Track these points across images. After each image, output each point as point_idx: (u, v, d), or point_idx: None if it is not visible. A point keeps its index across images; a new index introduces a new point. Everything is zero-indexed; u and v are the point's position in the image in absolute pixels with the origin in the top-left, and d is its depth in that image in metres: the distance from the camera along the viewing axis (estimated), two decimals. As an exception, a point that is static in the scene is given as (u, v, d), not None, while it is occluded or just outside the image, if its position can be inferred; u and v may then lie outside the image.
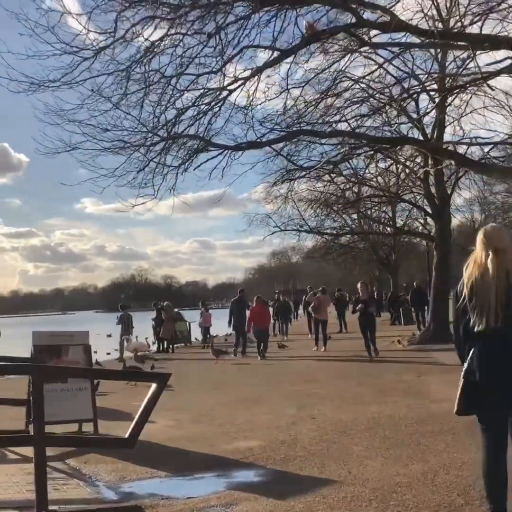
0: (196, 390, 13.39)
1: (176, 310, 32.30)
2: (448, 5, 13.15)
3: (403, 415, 9.21)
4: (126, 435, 6.00)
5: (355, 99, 15.88)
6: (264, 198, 25.62)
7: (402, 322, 32.28)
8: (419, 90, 15.44)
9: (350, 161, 21.52)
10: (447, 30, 11.14)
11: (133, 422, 6.07)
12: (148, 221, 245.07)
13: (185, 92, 11.92)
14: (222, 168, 13.48)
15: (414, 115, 17.34)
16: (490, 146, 16.92)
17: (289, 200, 23.97)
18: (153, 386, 6.15)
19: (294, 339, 27.03)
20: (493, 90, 13.34)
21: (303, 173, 18.26)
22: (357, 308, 17.55)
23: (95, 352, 24.00)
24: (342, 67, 14.66)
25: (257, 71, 11.41)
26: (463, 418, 8.97)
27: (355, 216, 37.49)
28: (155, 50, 11.09)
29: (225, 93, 11.92)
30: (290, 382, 13.79)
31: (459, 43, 9.97)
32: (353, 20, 10.54)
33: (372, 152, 14.95)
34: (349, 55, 14.28)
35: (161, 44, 11.03)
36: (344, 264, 53.31)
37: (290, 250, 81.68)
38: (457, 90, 13.65)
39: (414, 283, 31.67)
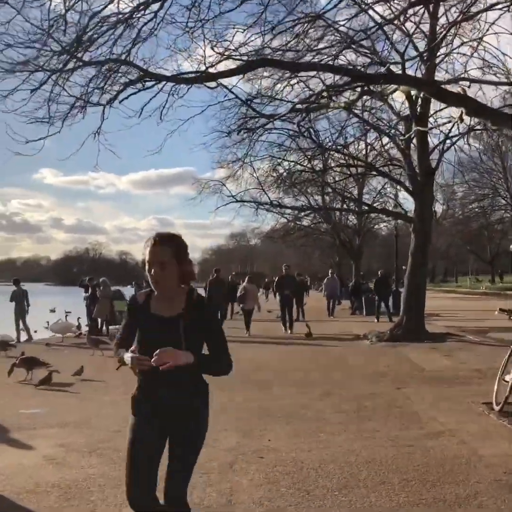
0: (109, 394, 10.26)
1: (116, 287, 29.16)
2: None
3: (391, 460, 6.27)
4: None
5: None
6: (217, 161, 22.02)
7: (364, 312, 29.77)
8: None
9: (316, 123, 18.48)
10: None
11: None
12: (108, 196, 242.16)
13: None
14: (161, 108, 10.34)
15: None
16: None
17: (247, 166, 20.61)
18: None
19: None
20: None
21: (265, 122, 14.99)
22: None
23: (35, 331, 21.20)
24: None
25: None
26: (485, 472, 6.25)
27: (318, 197, 34.77)
28: None
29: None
30: (235, 387, 10.76)
31: None
32: None
33: (353, 97, 11.91)
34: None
35: None
36: (303, 248, 50.95)
37: (249, 232, 79.58)
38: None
39: (379, 271, 29.39)
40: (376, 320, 25.56)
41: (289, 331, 20.58)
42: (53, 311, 34.01)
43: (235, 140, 18.22)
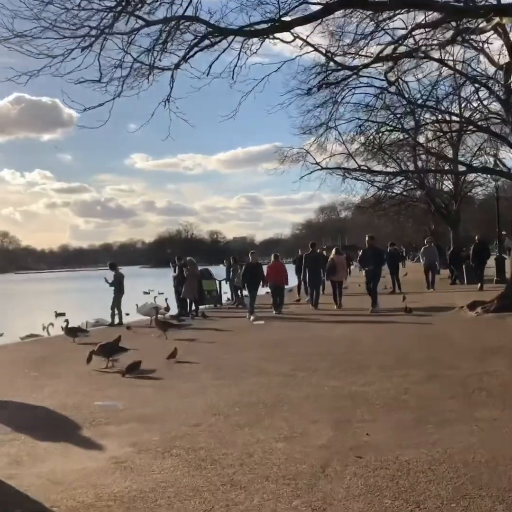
0: (194, 381, 9.52)
1: (205, 266, 28.68)
2: None
3: (520, 461, 5.18)
4: None
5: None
6: (299, 127, 20.46)
7: (465, 281, 28.06)
8: None
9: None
10: None
11: None
12: (197, 176, 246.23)
13: None
14: (232, 67, 9.39)
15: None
16: None
17: (332, 130, 19.21)
18: None
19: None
20: None
21: (348, 74, 13.61)
22: None
23: (127, 314, 21.17)
24: None
25: None
26: None
27: (409, 163, 33.06)
28: None
29: None
30: (325, 370, 9.81)
31: None
32: None
33: (448, 38, 10.53)
34: None
35: None
36: (396, 217, 49.07)
37: (339, 205, 78.27)
38: None
39: (476, 237, 27.68)
40: (479, 289, 24.34)
41: (370, 309, 18.63)
42: (147, 293, 34.09)
43: (317, 102, 16.94)
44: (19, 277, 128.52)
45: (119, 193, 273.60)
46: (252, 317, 18.64)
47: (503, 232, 33.63)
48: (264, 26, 8.86)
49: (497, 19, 10.63)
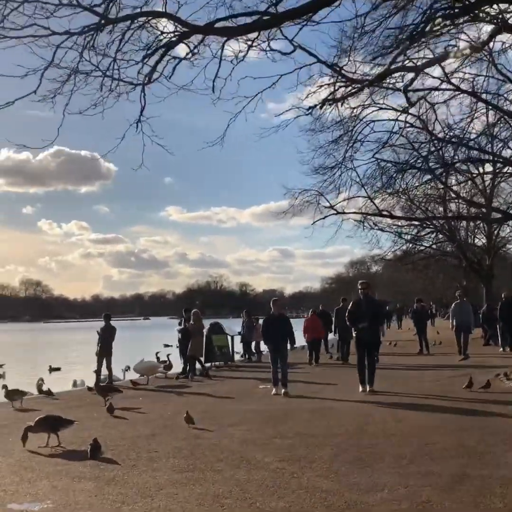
0: (148, 473, 7.32)
1: (215, 321, 26.55)
2: None
3: None
4: None
5: None
6: (309, 163, 17.93)
7: (500, 342, 25.55)
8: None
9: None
10: None
11: None
12: (230, 230, 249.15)
13: None
14: (212, 77, 7.53)
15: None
16: None
17: (346, 167, 16.97)
18: None
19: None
20: None
21: (357, 89, 11.49)
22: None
23: (127, 369, 19.05)
24: None
25: None
26: None
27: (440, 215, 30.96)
28: None
29: None
30: (323, 462, 7.55)
31: None
32: None
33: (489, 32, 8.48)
34: None
35: None
36: (426, 271, 46.98)
37: (369, 259, 76.54)
38: None
39: (503, 295, 24.75)
40: (509, 349, 23.50)
41: (367, 388, 13.67)
42: (169, 346, 32.03)
43: (328, 137, 15.00)
44: (46, 326, 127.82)
45: (153, 244, 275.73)
46: (274, 390, 14.10)
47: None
48: (248, 21, 6.95)
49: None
